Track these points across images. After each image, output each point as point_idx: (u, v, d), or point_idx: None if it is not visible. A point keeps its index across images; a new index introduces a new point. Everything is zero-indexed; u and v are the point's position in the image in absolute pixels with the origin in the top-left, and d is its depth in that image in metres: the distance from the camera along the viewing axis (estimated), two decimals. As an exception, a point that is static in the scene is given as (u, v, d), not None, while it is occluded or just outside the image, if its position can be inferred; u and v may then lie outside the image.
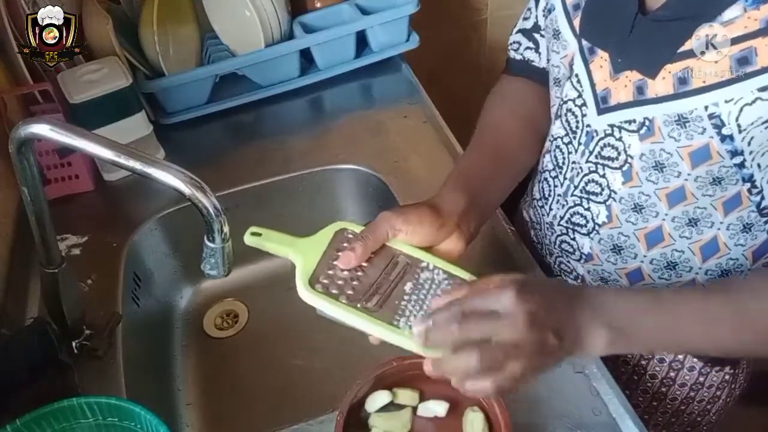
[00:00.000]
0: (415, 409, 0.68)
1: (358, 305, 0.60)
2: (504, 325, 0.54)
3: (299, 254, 0.63)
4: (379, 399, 0.67)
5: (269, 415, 0.91)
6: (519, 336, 0.54)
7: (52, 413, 0.67)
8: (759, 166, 0.65)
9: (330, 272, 0.62)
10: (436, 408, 0.67)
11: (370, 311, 0.60)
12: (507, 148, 0.81)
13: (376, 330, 0.59)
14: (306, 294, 0.61)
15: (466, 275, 0.64)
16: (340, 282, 0.62)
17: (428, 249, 0.66)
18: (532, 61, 0.87)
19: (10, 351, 0.74)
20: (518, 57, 0.88)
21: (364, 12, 1.17)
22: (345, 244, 0.64)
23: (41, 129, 0.59)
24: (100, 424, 0.68)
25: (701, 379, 0.85)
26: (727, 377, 0.86)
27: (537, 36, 0.85)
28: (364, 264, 0.63)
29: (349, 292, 0.61)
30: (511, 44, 0.89)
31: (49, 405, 0.66)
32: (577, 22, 0.73)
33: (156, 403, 0.70)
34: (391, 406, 0.68)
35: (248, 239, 0.65)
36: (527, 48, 0.87)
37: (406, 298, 0.61)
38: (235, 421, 0.91)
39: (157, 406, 0.67)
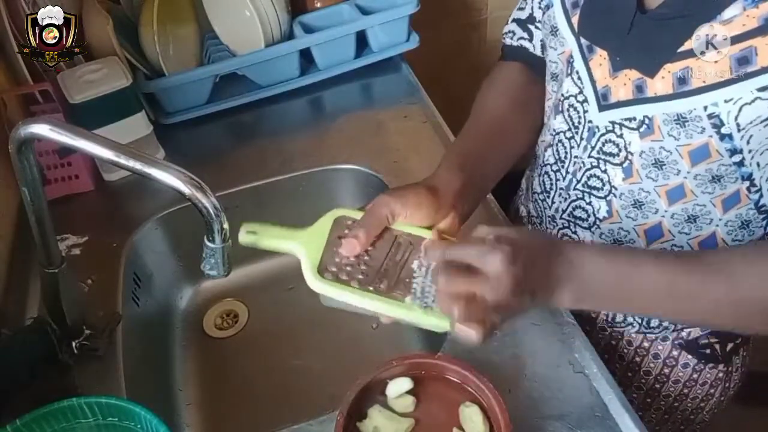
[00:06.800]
0: (416, 420, 0.67)
1: (371, 288, 0.61)
2: (490, 287, 0.56)
3: (302, 246, 0.63)
4: (399, 385, 0.69)
5: (269, 415, 0.91)
6: (501, 298, 0.56)
7: (52, 413, 0.67)
8: (758, 164, 0.65)
9: (336, 260, 0.63)
10: (402, 386, 0.68)
11: (383, 293, 0.61)
12: (500, 131, 0.82)
13: (390, 310, 0.60)
14: (317, 284, 0.61)
15: None
16: (348, 268, 0.62)
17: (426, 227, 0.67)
18: (526, 48, 0.88)
19: (10, 351, 0.74)
20: (514, 44, 0.89)
21: (364, 12, 1.17)
22: (346, 231, 0.64)
23: (41, 129, 0.59)
24: (100, 424, 0.68)
25: (695, 376, 0.86)
26: (720, 375, 0.86)
27: (531, 27, 0.86)
28: (369, 248, 0.63)
29: (360, 276, 0.61)
30: (506, 33, 0.90)
31: (49, 405, 0.66)
32: (575, 20, 0.74)
33: (156, 403, 0.70)
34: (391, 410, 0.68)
35: (243, 238, 0.64)
36: (521, 38, 0.88)
37: (414, 275, 0.62)
38: (235, 421, 0.91)
39: (157, 406, 0.67)
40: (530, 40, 0.86)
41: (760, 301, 0.61)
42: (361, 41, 1.19)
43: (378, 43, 1.19)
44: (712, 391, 0.88)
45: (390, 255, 0.63)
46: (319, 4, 1.21)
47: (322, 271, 0.62)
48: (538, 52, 0.86)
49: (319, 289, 0.61)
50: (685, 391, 0.87)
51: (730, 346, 0.85)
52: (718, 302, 0.61)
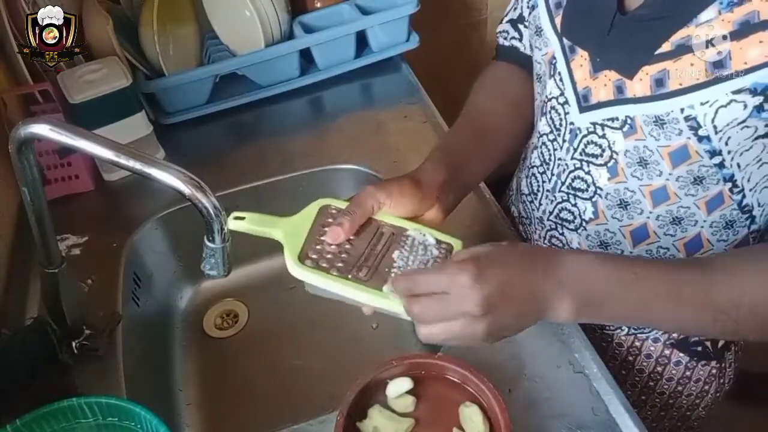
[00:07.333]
0: (416, 420, 0.67)
1: (349, 276, 0.62)
2: (456, 309, 0.56)
3: (285, 233, 0.65)
4: (399, 385, 0.69)
5: (269, 415, 0.91)
6: (471, 315, 0.56)
7: (52, 413, 0.67)
8: (739, 165, 0.66)
9: (318, 247, 0.64)
10: (402, 386, 0.68)
11: (362, 281, 0.61)
12: (489, 129, 0.82)
13: (367, 298, 0.61)
14: (297, 270, 0.62)
15: (451, 239, 0.66)
16: (329, 256, 0.63)
17: (410, 219, 0.68)
18: (517, 47, 0.88)
19: (10, 351, 0.74)
20: (507, 44, 0.89)
21: (364, 12, 1.17)
22: (330, 220, 0.66)
23: (41, 129, 0.59)
24: (100, 424, 0.68)
25: (687, 373, 0.86)
26: (713, 371, 0.87)
27: (521, 27, 0.87)
28: (351, 237, 0.65)
29: (339, 264, 0.62)
30: (500, 32, 0.91)
31: (49, 405, 0.66)
32: (558, 21, 0.74)
33: (156, 403, 0.70)
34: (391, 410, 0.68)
35: (232, 224, 0.65)
36: (513, 37, 0.88)
37: (394, 265, 0.63)
38: (235, 421, 0.91)
39: (157, 406, 0.67)
40: (521, 39, 0.87)
41: (760, 309, 0.61)
42: (361, 41, 1.19)
43: (378, 43, 1.19)
44: (706, 387, 0.88)
45: (371, 244, 0.65)
46: (319, 4, 1.21)
47: (302, 257, 0.63)
48: (528, 52, 0.87)
49: (299, 275, 0.62)
50: (679, 388, 0.88)
51: (721, 343, 0.85)
52: (721, 310, 0.61)
